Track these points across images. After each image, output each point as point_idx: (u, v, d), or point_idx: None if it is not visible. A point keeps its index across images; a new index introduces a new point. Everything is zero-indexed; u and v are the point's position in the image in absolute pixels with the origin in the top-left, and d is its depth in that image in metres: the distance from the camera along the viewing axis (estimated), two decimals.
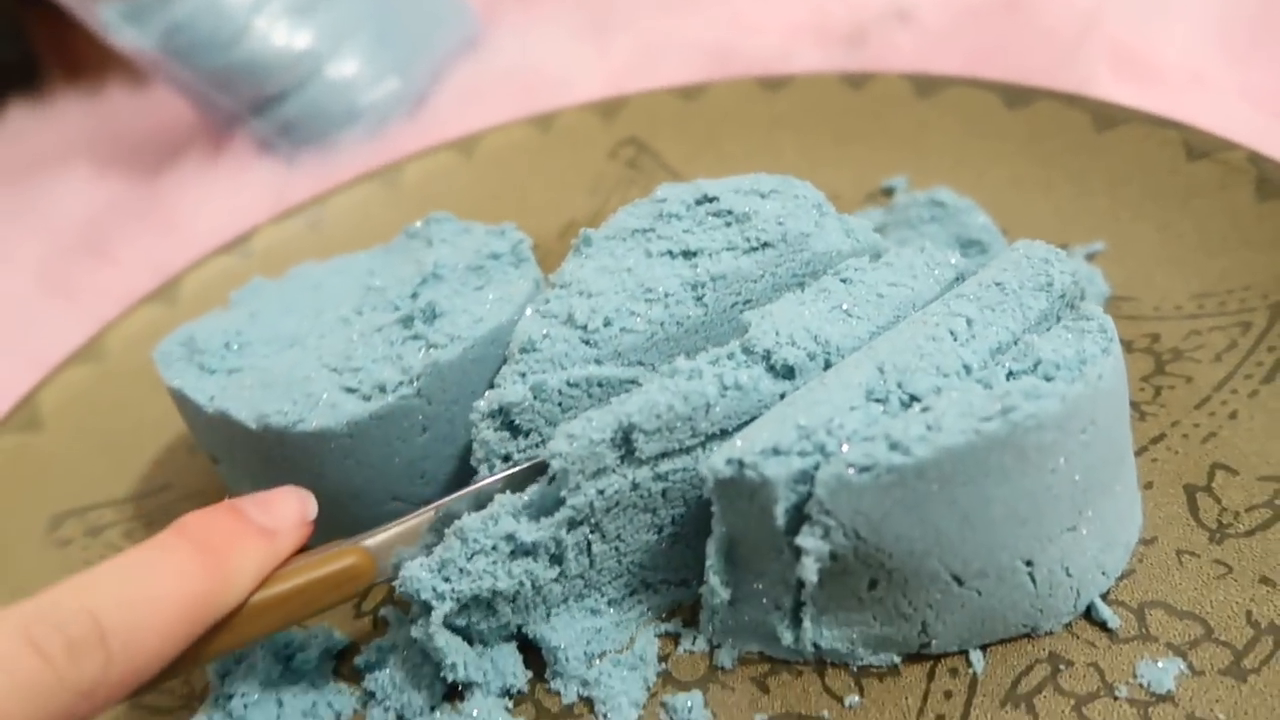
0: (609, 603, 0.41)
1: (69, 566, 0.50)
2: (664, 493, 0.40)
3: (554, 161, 0.70)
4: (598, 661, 0.40)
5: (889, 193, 0.60)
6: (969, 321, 0.39)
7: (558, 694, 0.40)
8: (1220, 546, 0.39)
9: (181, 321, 0.54)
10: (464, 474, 0.45)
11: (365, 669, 0.41)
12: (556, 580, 0.40)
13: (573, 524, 0.39)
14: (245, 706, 0.39)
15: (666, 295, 0.42)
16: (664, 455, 0.39)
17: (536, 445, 0.42)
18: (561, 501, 0.38)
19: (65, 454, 0.56)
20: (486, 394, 0.41)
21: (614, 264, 0.44)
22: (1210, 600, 0.37)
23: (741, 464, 0.36)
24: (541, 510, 0.39)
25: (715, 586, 0.39)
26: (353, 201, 0.69)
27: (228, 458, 0.46)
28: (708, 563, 0.39)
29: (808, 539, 0.36)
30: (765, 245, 0.43)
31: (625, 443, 0.38)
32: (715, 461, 0.37)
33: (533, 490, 0.39)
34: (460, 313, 0.45)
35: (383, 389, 0.42)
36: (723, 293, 0.42)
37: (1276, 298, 0.46)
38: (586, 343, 0.42)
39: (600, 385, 0.42)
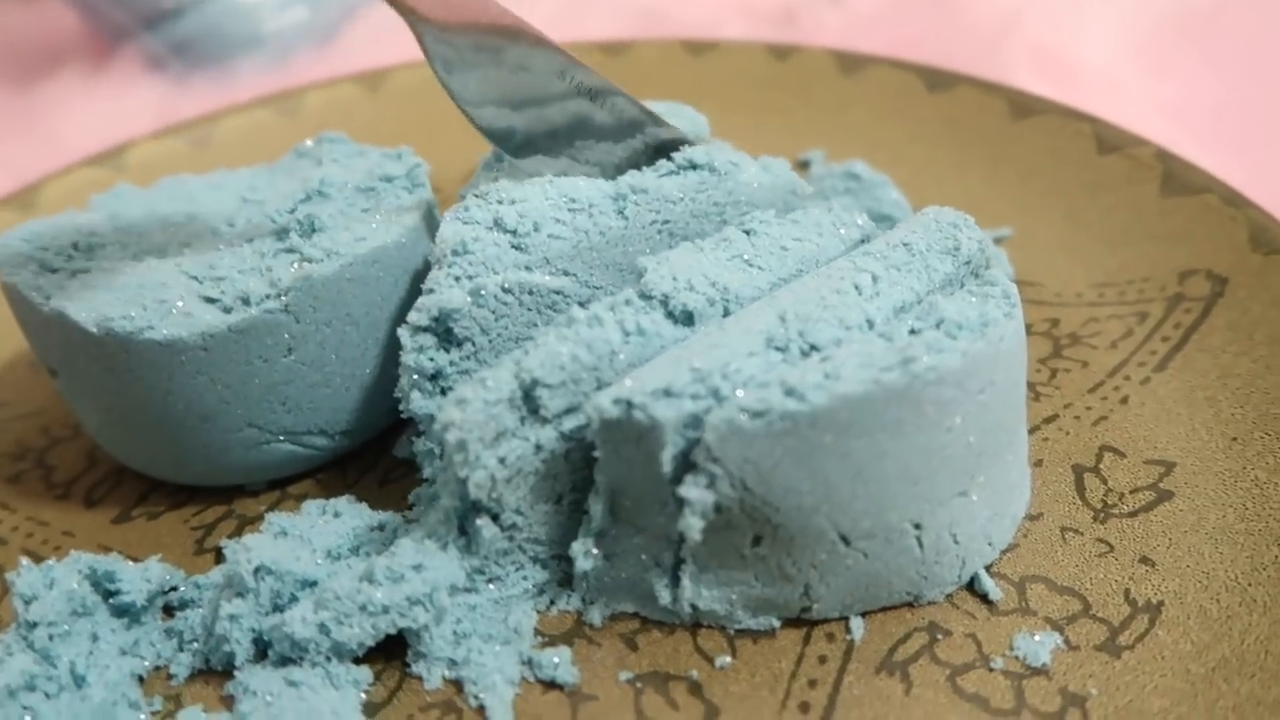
0: (489, 580, 0.37)
1: None
2: (567, 454, 0.36)
3: None
4: (466, 639, 0.36)
5: (805, 165, 0.59)
6: (874, 278, 0.37)
7: (419, 678, 0.36)
8: (1104, 525, 0.38)
9: None
10: (334, 405, 0.42)
11: (179, 606, 0.38)
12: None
13: (475, 511, 0.36)
14: (51, 638, 0.35)
15: (590, 205, 0.40)
16: (568, 411, 0.36)
17: (468, 357, 0.39)
18: (464, 486, 0.35)
19: None
20: (419, 302, 0.38)
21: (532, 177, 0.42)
22: (1090, 577, 0.37)
23: (630, 404, 0.34)
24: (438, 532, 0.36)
25: (583, 549, 0.37)
26: (244, 125, 0.64)
27: (66, 369, 0.41)
28: (587, 518, 0.36)
29: (692, 489, 0.34)
30: (694, 167, 0.41)
31: (527, 400, 0.35)
32: (602, 401, 0.34)
33: (431, 519, 0.36)
34: (341, 230, 0.41)
35: (246, 301, 0.39)
36: (643, 207, 0.40)
37: (1173, 290, 0.46)
38: (517, 247, 0.39)
39: (531, 293, 0.39)
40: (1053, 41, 0.69)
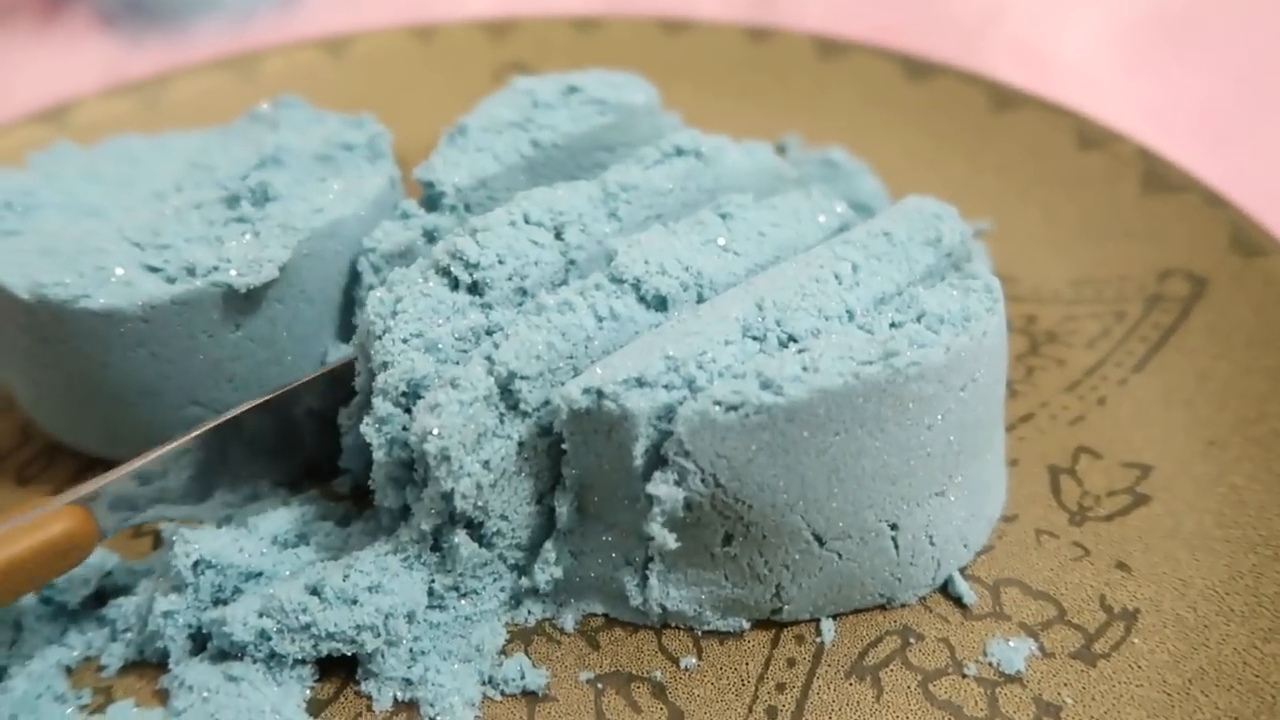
0: (463, 595, 0.35)
1: None
2: (548, 449, 0.34)
3: (431, 76, 0.64)
4: (423, 657, 0.34)
5: (782, 150, 0.57)
6: (854, 267, 0.36)
7: (368, 698, 0.33)
8: (1079, 529, 0.37)
9: None
10: (284, 384, 0.39)
11: (113, 592, 0.35)
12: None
13: (453, 525, 0.34)
14: None
15: (580, 215, 0.37)
16: (547, 403, 0.34)
17: None
18: (449, 499, 0.32)
19: None
20: (380, 384, 0.33)
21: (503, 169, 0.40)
22: (1065, 582, 0.36)
23: (600, 394, 0.32)
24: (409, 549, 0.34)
25: (548, 555, 0.35)
26: (199, 87, 0.61)
27: None
28: (558, 514, 0.35)
29: (661, 485, 0.32)
30: (679, 153, 0.39)
31: (505, 395, 0.33)
32: (571, 390, 0.33)
33: (401, 535, 0.34)
34: (297, 200, 0.39)
35: (191, 271, 0.36)
36: (636, 205, 0.38)
37: (1152, 290, 0.45)
38: (472, 288, 0.35)
39: (489, 332, 0.35)
40: (1034, 36, 0.68)
